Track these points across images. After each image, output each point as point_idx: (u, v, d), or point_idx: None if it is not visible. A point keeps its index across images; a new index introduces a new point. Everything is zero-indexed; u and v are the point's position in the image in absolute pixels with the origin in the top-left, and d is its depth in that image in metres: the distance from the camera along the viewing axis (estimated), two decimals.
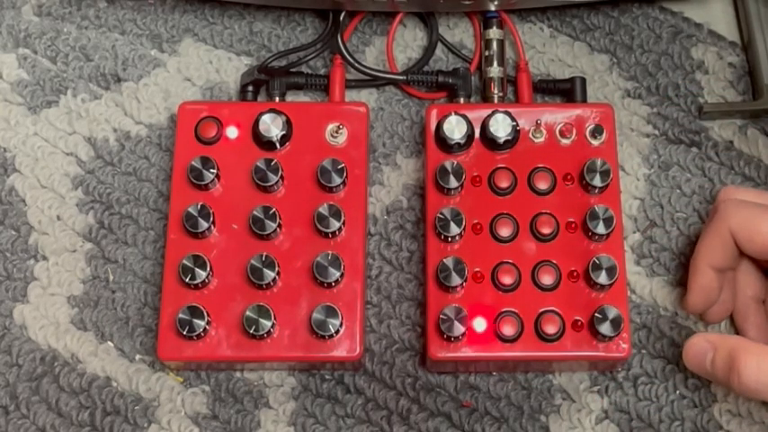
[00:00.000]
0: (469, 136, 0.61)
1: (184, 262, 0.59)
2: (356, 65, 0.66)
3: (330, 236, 0.61)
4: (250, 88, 0.66)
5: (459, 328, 0.57)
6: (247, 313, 0.58)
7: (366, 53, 0.69)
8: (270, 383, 0.62)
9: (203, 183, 0.61)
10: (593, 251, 0.59)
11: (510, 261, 0.60)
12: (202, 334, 0.58)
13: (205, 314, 0.58)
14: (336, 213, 0.60)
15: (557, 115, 0.63)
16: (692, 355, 0.54)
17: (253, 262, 0.59)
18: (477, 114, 0.62)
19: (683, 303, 0.61)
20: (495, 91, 0.66)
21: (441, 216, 0.59)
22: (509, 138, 0.61)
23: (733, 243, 0.56)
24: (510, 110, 0.62)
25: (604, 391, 0.61)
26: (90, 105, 0.68)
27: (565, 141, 0.62)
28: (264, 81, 0.66)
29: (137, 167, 0.66)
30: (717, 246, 0.56)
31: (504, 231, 0.60)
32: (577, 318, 0.59)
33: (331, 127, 0.63)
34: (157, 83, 0.69)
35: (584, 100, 0.66)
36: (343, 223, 0.60)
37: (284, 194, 0.62)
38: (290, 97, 0.67)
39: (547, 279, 0.59)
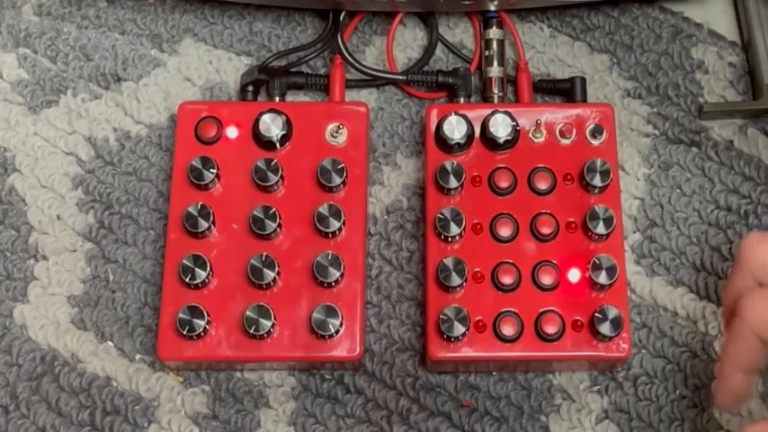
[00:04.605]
0: (469, 136, 0.61)
1: (184, 262, 0.59)
2: (356, 65, 0.66)
3: (330, 236, 0.61)
4: (250, 88, 0.66)
5: (459, 329, 0.58)
6: (247, 313, 0.58)
7: (366, 53, 0.69)
8: (270, 383, 0.62)
9: (203, 183, 0.61)
10: (593, 251, 0.59)
11: (510, 261, 0.60)
12: (202, 334, 0.58)
13: (205, 314, 0.58)
14: (336, 213, 0.60)
15: (557, 115, 0.63)
16: None
17: (253, 262, 0.59)
18: (477, 114, 0.62)
19: (714, 399, 0.57)
20: (495, 91, 0.66)
21: (441, 216, 0.59)
22: (509, 138, 0.61)
23: (759, 343, 0.52)
24: (510, 110, 0.62)
25: (604, 391, 0.61)
26: (90, 105, 0.68)
27: (565, 141, 0.62)
28: (264, 81, 0.66)
29: (137, 167, 0.66)
30: (743, 350, 0.52)
31: (504, 231, 0.60)
32: (577, 318, 0.59)
33: (331, 127, 0.63)
34: (157, 83, 0.69)
35: (584, 100, 0.66)
36: (343, 223, 0.60)
37: (284, 194, 0.62)
38: (290, 97, 0.67)
39: (547, 279, 0.59)
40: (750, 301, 0.50)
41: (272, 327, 0.58)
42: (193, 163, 0.61)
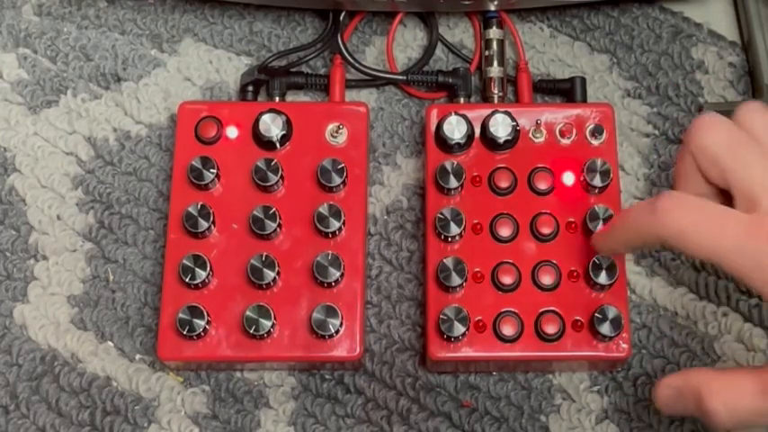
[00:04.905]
0: (469, 136, 0.61)
1: (184, 262, 0.59)
2: (356, 65, 0.66)
3: (330, 236, 0.61)
4: (250, 88, 0.66)
5: (459, 329, 0.58)
6: (247, 313, 0.58)
7: (366, 53, 0.69)
8: (270, 383, 0.62)
9: (203, 183, 0.61)
10: (592, 251, 0.59)
11: (510, 261, 0.60)
12: (202, 334, 0.58)
13: (205, 314, 0.58)
14: (336, 213, 0.60)
15: (557, 115, 0.63)
16: (665, 406, 0.49)
17: (253, 262, 0.59)
18: (477, 114, 0.62)
19: (596, 239, 0.57)
20: (495, 91, 0.66)
21: (441, 216, 0.59)
22: (509, 138, 0.61)
23: (643, 241, 0.49)
24: (510, 110, 0.62)
25: (604, 391, 0.61)
26: (90, 105, 0.68)
27: (565, 141, 0.62)
28: (264, 81, 0.66)
29: (137, 167, 0.66)
30: (626, 235, 0.49)
31: (504, 231, 0.60)
32: (577, 318, 0.59)
33: (331, 127, 0.63)
34: (157, 83, 0.69)
35: (584, 100, 0.66)
36: (343, 223, 0.60)
37: (284, 194, 0.62)
38: (290, 97, 0.67)
39: (547, 279, 0.59)
40: (701, 126, 0.47)
41: (272, 327, 0.58)
42: (193, 163, 0.61)
